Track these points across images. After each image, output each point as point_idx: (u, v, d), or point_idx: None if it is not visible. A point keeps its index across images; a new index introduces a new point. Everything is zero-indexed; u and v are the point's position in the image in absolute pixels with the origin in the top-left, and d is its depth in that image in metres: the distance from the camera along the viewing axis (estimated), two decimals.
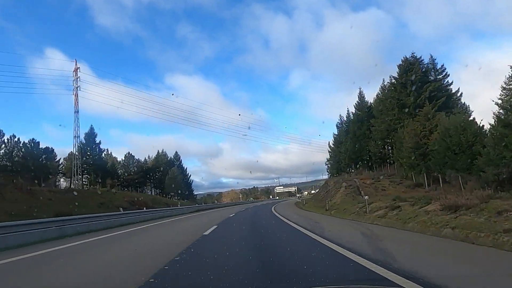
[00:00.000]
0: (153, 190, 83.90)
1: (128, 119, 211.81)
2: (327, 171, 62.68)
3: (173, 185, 72.94)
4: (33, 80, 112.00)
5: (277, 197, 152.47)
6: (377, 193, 22.20)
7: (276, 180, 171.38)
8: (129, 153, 76.15)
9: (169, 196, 77.51)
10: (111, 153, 74.04)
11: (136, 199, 47.94)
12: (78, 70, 48.53)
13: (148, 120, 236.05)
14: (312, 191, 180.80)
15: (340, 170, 51.43)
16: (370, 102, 43.56)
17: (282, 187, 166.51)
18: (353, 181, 28.14)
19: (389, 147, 37.70)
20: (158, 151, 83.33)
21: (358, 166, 44.72)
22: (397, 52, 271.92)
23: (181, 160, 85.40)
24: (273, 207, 30.32)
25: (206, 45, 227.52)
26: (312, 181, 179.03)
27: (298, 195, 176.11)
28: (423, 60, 31.32)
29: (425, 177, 22.89)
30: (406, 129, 25.51)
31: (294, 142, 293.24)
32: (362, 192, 23.84)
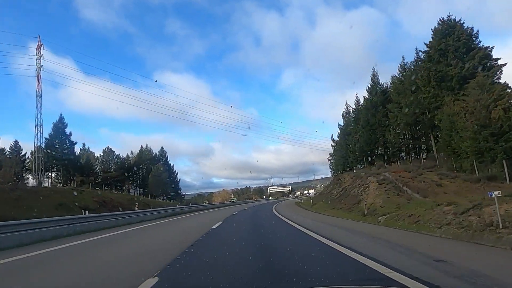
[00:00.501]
0: (137, 189, 76.22)
1: (117, 118, 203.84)
2: (330, 168, 56.04)
3: (157, 184, 65.59)
4: (15, 77, 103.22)
5: (270, 197, 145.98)
6: (433, 190, 15.58)
7: (268, 180, 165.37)
8: (108, 148, 68.42)
9: (154, 196, 70.04)
10: (88, 148, 66.30)
11: (108, 199, 40.58)
12: (42, 48, 40.82)
13: (138, 119, 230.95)
14: (306, 192, 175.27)
15: (346, 166, 44.80)
16: (386, 83, 37.07)
17: (275, 187, 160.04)
18: (382, 175, 21.44)
19: (419, 134, 31.21)
20: (141, 146, 75.81)
21: (371, 159, 38.20)
22: (390, 52, 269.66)
23: (167, 157, 78.07)
24: (277, 211, 23.55)
25: (197, 42, 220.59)
26: (304, 181, 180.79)
27: (296, 194, 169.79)
28: (463, 23, 24.77)
29: (506, 166, 16.10)
30: (465, 102, 18.90)
31: (286, 142, 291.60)
32: (407, 188, 17.14)
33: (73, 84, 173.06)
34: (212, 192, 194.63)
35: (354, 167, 42.24)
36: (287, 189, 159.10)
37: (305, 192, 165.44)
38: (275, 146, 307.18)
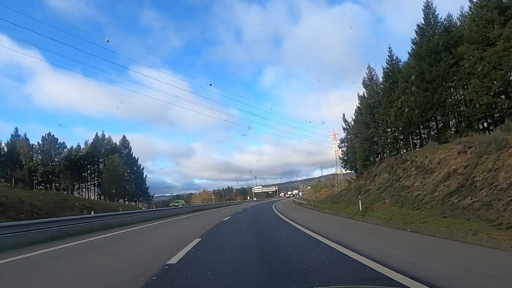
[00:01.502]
0: (92, 188, 60.77)
1: (90, 115, 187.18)
2: (344, 158, 42.99)
3: (112, 181, 50.62)
4: None
5: (255, 198, 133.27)
6: None
7: (250, 182, 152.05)
8: (50, 135, 52.70)
9: (110, 197, 54.96)
10: (24, 135, 50.55)
11: (12, 200, 25.79)
12: None
13: (113, 117, 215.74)
14: (289, 193, 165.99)
15: (372, 152, 31.72)
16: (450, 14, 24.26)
17: (260, 186, 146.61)
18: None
19: None
20: (96, 133, 60.41)
21: (419, 137, 25.29)
22: (374, 50, 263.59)
23: (130, 148, 62.87)
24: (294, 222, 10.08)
25: (173, 35, 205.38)
26: (286, 182, 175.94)
27: (281, 195, 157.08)
28: None
29: None
30: None
31: (268, 143, 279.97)
32: None
33: (40, 77, 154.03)
34: (192, 193, 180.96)
35: (388, 151, 29.09)
36: (273, 189, 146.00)
37: (289, 193, 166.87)
38: (256, 147, 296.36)
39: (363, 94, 33.86)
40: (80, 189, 57.68)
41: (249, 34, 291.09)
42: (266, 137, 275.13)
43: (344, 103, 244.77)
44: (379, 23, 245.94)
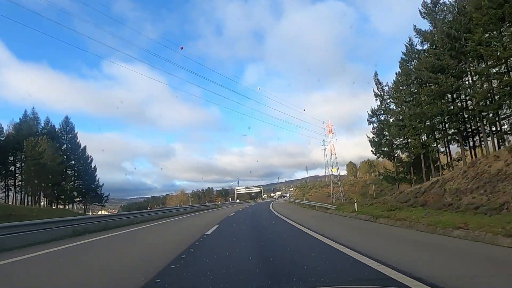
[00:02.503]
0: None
1: (61, 112, 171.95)
2: (373, 140, 30.08)
3: (39, 175, 35.47)
4: None
5: (237, 200, 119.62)
6: None
7: (232, 183, 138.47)
8: None
9: (39, 195, 39.78)
10: None
11: None
12: None
13: (87, 114, 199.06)
14: (272, 194, 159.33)
15: (433, 129, 18.57)
16: None
17: (244, 187, 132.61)
18: None
19: None
20: (25, 111, 44.81)
21: None
22: (358, 49, 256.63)
23: (75, 134, 47.44)
24: None
25: (150, 27, 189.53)
26: (268, 184, 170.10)
27: (263, 196, 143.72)
28: None
29: None
30: None
31: (250, 144, 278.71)
32: None
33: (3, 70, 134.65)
34: (168, 194, 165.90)
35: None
36: (257, 190, 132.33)
37: (272, 194, 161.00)
38: (238, 148, 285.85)
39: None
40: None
41: (230, 28, 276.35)
42: (248, 138, 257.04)
43: (327, 104, 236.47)
44: (365, 22, 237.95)
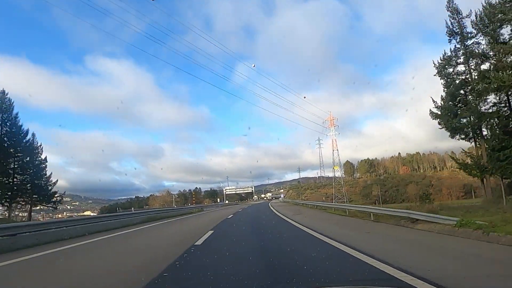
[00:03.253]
0: None
1: (44, 110, 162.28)
2: (443, 105, 19.88)
3: None
4: None
5: (226, 201, 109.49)
6: None
7: (222, 185, 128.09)
8: None
9: None
10: None
11: None
12: None
13: (72, 112, 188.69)
14: (263, 195, 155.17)
15: None
16: None
17: (234, 187, 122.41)
18: None
19: None
20: None
21: None
22: (351, 48, 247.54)
23: (15, 115, 36.55)
24: None
25: (134, 21, 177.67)
26: (258, 185, 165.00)
27: (254, 198, 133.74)
28: None
29: None
30: None
31: (241, 145, 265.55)
32: None
33: None
34: (151, 195, 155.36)
35: None
36: (248, 190, 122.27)
37: (262, 196, 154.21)
38: (229, 149, 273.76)
39: None
40: None
41: (219, 23, 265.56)
42: (239, 139, 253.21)
43: (318, 104, 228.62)
44: (357, 20, 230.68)
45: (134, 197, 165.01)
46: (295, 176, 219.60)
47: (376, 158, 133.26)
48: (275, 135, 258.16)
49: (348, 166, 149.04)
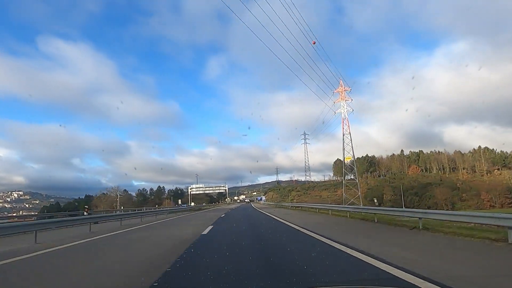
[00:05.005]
0: None
1: None
2: None
3: None
4: None
5: (192, 203, 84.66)
6: None
7: (192, 186, 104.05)
8: None
9: None
10: None
11: None
12: None
13: (22, 100, 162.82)
14: (236, 197, 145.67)
15: None
16: None
17: (202, 186, 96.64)
18: None
19: None
20: None
21: None
22: (333, 45, 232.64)
23: None
24: None
25: None
26: (230, 187, 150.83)
27: (227, 200, 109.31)
28: None
29: None
30: None
31: (212, 145, 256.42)
32: None
33: None
34: (104, 193, 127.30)
35: None
36: (220, 190, 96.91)
37: (235, 198, 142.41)
38: (199, 149, 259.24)
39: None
40: None
41: (189, 8, 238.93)
42: (210, 139, 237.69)
43: (293, 105, 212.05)
44: (340, 14, 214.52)
45: (84, 196, 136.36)
46: (267, 179, 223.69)
47: (374, 155, 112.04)
48: (248, 137, 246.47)
49: (340, 166, 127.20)
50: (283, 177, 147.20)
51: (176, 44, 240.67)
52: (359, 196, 54.61)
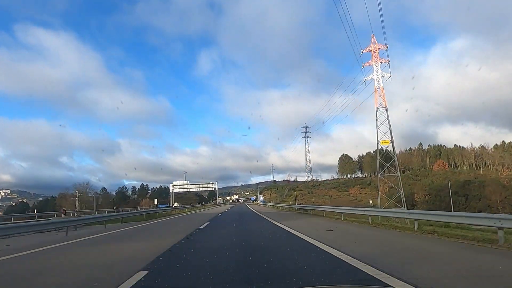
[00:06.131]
0: None
1: None
2: None
3: None
4: None
5: (176, 204, 69.76)
6: None
7: (175, 183, 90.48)
8: None
9: None
10: None
11: None
12: None
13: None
14: (228, 197, 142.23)
15: None
16: None
17: (187, 183, 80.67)
18: None
19: None
20: None
21: None
22: (327, 38, 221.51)
23: None
24: None
25: None
26: (223, 187, 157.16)
27: (218, 200, 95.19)
28: None
29: None
30: None
31: (203, 143, 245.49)
32: None
33: None
34: (75, 193, 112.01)
35: None
36: (209, 188, 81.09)
37: (228, 198, 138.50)
38: (191, 149, 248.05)
39: None
40: None
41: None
42: (202, 138, 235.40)
43: (287, 102, 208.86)
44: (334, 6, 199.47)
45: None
46: (260, 179, 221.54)
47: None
48: (241, 136, 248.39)
49: (346, 161, 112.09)
50: (276, 177, 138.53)
51: (164, 35, 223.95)
52: (400, 195, 39.10)
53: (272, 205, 47.56)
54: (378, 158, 39.35)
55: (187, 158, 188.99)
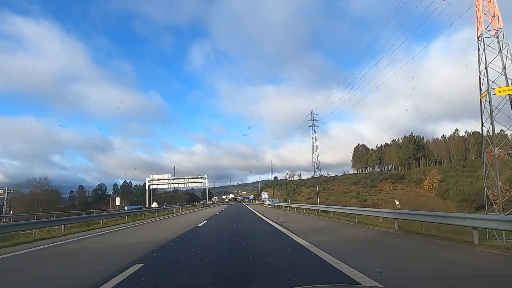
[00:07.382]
0: None
1: None
2: None
3: None
4: None
5: (154, 204, 53.32)
6: None
7: (152, 178, 74.67)
8: None
9: None
10: None
11: None
12: None
13: None
14: (224, 196, 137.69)
15: None
16: None
17: (168, 175, 63.40)
18: None
19: None
20: None
21: None
22: (327, 32, 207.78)
23: None
24: None
25: None
26: (219, 186, 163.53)
27: (213, 199, 79.18)
28: None
29: None
30: None
31: (199, 141, 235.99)
32: None
33: None
34: (32, 192, 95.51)
35: None
36: (199, 183, 64.03)
37: (224, 197, 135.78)
38: (186, 147, 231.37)
39: None
40: None
41: None
42: (197, 136, 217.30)
43: (283, 98, 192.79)
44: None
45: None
46: (256, 178, 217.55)
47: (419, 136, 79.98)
48: (237, 134, 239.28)
49: (363, 152, 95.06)
50: (275, 176, 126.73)
51: (154, 24, 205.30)
52: (498, 193, 21.82)
53: (293, 208, 30.00)
54: (493, 118, 21.82)
55: (182, 156, 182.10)
